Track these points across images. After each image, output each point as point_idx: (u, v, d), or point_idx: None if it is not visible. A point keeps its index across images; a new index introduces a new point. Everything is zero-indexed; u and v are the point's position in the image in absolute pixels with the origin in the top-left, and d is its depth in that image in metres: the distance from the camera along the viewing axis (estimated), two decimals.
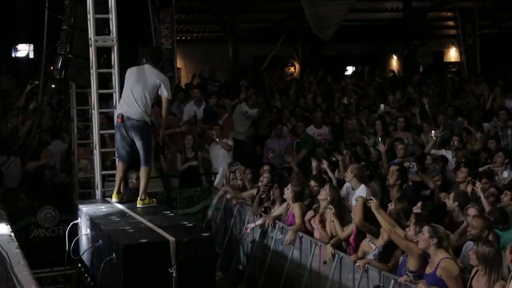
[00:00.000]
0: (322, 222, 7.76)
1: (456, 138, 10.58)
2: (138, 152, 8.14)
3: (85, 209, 8.16)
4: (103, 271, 6.84)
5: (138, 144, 8.05)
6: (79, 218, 8.39)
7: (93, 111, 8.97)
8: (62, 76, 9.09)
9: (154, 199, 8.38)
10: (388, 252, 6.64)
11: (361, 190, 8.25)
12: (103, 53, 9.01)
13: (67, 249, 8.09)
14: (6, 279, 5.05)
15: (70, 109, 10.25)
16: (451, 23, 21.57)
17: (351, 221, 7.41)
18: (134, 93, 7.94)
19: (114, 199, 8.41)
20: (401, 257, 6.47)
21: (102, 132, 8.99)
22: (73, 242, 8.12)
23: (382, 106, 13.34)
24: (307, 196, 8.52)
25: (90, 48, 8.72)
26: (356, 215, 6.93)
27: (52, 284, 9.50)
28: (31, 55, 17.12)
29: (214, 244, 7.35)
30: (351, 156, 9.79)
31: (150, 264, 6.41)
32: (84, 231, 8.04)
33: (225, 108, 12.60)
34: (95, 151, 9.03)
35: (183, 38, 20.66)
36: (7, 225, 7.01)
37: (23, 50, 17.33)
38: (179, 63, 18.40)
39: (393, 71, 20.49)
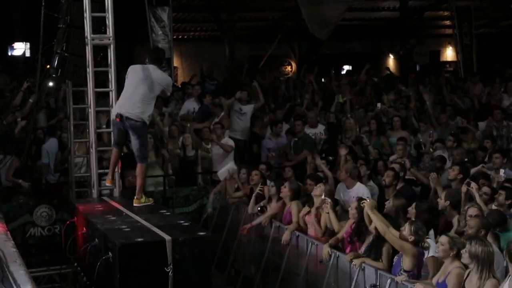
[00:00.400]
0: (317, 217, 7.77)
1: (451, 138, 10.60)
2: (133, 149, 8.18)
3: (82, 208, 8.15)
4: (99, 270, 6.83)
5: (134, 142, 8.05)
6: (75, 217, 8.38)
7: (90, 110, 8.96)
8: (59, 74, 9.08)
9: (150, 198, 8.39)
10: (378, 246, 6.65)
11: (359, 189, 8.24)
12: (100, 52, 9.00)
13: (63, 248, 8.09)
14: (2, 278, 5.04)
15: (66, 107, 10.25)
16: (447, 22, 21.59)
17: (345, 219, 7.42)
18: (137, 93, 7.92)
19: (107, 183, 8.50)
20: (395, 257, 6.48)
21: (99, 130, 8.98)
22: (70, 241, 8.12)
23: (379, 105, 13.34)
24: (303, 195, 8.52)
25: (87, 47, 8.72)
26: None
27: (48, 283, 9.49)
28: (28, 54, 17.10)
29: (210, 243, 7.34)
30: (348, 155, 9.82)
31: (146, 263, 6.41)
32: (80, 230, 8.04)
33: (222, 107, 12.59)
34: (91, 150, 9.03)
35: (180, 36, 20.65)
36: (3, 223, 7.00)
37: (20, 48, 17.30)
38: (176, 62, 18.38)
39: (388, 68, 20.48)
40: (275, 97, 15.39)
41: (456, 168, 8.49)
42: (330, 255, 7.24)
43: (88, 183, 9.48)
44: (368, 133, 11.60)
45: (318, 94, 14.77)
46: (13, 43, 17.31)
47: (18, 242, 6.42)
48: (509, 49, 21.10)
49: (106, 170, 8.99)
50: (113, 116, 8.17)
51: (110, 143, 9.41)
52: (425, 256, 6.41)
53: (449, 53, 24.30)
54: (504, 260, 5.60)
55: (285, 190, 8.32)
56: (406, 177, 8.97)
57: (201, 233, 7.06)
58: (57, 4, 9.18)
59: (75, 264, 8.36)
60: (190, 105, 12.91)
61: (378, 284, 6.44)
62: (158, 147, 10.84)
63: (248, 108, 12.54)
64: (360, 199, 7.10)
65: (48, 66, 9.61)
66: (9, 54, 17.57)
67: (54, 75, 9.16)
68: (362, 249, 6.91)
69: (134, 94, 7.94)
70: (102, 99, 9.29)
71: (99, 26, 8.82)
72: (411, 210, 7.00)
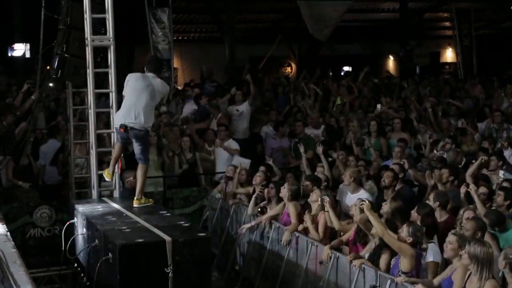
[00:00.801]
0: (315, 222, 7.77)
1: (448, 140, 10.60)
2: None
3: (82, 209, 8.16)
4: (99, 271, 6.84)
5: (137, 148, 8.13)
6: (75, 218, 8.39)
7: (90, 111, 8.97)
8: (59, 75, 9.08)
9: (150, 199, 8.40)
10: (379, 253, 6.67)
11: (362, 195, 8.23)
12: (100, 53, 9.01)
13: (63, 248, 8.09)
14: (2, 278, 5.04)
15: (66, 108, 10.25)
16: (447, 23, 21.62)
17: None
18: (140, 102, 7.95)
19: (107, 178, 8.49)
20: (393, 259, 6.48)
21: (98, 132, 8.99)
22: (69, 242, 8.12)
23: (378, 106, 13.35)
24: (301, 196, 8.52)
25: (87, 48, 8.73)
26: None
27: (48, 284, 9.49)
28: (28, 55, 17.11)
29: (210, 244, 7.35)
30: (347, 156, 9.84)
31: (146, 264, 6.42)
32: (80, 230, 8.05)
33: (219, 108, 12.60)
34: (91, 151, 9.04)
35: (180, 38, 20.66)
36: (3, 224, 7.00)
37: (20, 49, 17.31)
38: (176, 63, 18.39)
39: (388, 71, 20.53)
40: (275, 97, 15.41)
41: (446, 171, 8.52)
42: (330, 257, 7.24)
43: (88, 184, 9.48)
44: (368, 134, 11.61)
45: (320, 94, 14.81)
46: (13, 44, 17.32)
47: (18, 243, 6.42)
48: (508, 51, 21.12)
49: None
50: (116, 125, 8.18)
51: (110, 144, 9.43)
52: (423, 257, 6.43)
53: (449, 55, 24.33)
54: (501, 271, 5.62)
55: (284, 191, 8.32)
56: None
57: (201, 234, 7.08)
58: (57, 5, 9.19)
59: (75, 265, 8.36)
60: (190, 108, 12.95)
61: (378, 285, 6.44)
62: (160, 147, 10.85)
63: (244, 107, 12.62)
64: (360, 201, 7.12)
65: (48, 67, 9.61)
66: (9, 55, 17.58)
67: (54, 76, 9.17)
68: (363, 252, 6.90)
69: (137, 103, 7.96)
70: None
71: (99, 27, 8.83)
72: (414, 213, 7.00)
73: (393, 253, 6.46)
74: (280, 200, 8.57)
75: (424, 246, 6.36)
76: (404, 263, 6.23)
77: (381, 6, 20.52)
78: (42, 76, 9.79)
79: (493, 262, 5.53)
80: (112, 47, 8.86)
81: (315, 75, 16.06)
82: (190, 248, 6.54)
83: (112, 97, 8.94)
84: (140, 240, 6.59)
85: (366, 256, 6.81)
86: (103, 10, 8.81)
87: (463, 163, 9.78)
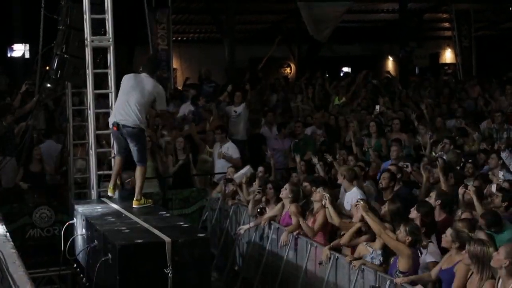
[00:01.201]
0: (314, 219, 7.79)
1: (447, 141, 10.61)
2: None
3: (81, 209, 8.16)
4: (99, 272, 6.84)
5: (133, 148, 8.10)
6: (74, 219, 8.39)
7: (89, 111, 8.97)
8: (58, 76, 9.08)
9: (150, 200, 8.39)
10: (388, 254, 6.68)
11: (354, 193, 8.24)
12: (99, 53, 9.01)
13: (62, 249, 8.09)
14: (1, 279, 5.04)
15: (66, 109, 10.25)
16: (447, 24, 21.63)
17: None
18: (130, 100, 7.95)
19: (109, 193, 8.44)
20: (392, 258, 6.50)
21: (98, 132, 8.98)
22: (69, 242, 8.12)
23: (377, 107, 13.36)
24: (302, 197, 8.52)
25: (86, 48, 8.73)
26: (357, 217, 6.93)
27: (47, 284, 9.48)
28: (27, 55, 17.11)
29: (209, 244, 7.34)
30: (347, 156, 9.85)
31: (146, 264, 6.41)
32: (80, 231, 8.05)
33: (211, 112, 12.60)
34: (91, 151, 9.04)
35: (180, 38, 20.66)
36: (2, 225, 6.99)
37: (19, 50, 17.31)
38: (175, 64, 18.39)
39: (388, 72, 20.53)
40: (274, 97, 15.42)
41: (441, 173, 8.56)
42: (330, 258, 7.24)
43: (88, 184, 9.48)
44: (368, 135, 11.61)
45: (318, 96, 14.83)
46: (13, 44, 17.32)
47: (17, 244, 6.40)
48: (508, 52, 21.13)
49: (105, 172, 9.00)
50: (110, 125, 8.19)
51: (108, 145, 9.43)
52: (421, 257, 6.44)
53: (448, 56, 24.33)
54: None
55: (286, 192, 8.32)
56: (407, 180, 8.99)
57: (201, 235, 7.08)
58: (57, 6, 9.19)
59: (74, 265, 8.36)
60: (186, 109, 12.98)
61: (377, 285, 6.45)
62: (154, 152, 10.83)
63: (241, 108, 12.68)
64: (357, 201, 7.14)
65: (47, 68, 9.61)
66: (9, 55, 17.58)
67: (53, 77, 9.17)
68: (366, 258, 6.88)
69: (127, 101, 7.97)
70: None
71: (98, 28, 8.83)
72: (413, 211, 7.01)
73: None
74: (278, 200, 8.57)
75: (424, 243, 6.37)
76: (402, 263, 6.26)
77: (381, 7, 20.52)
78: (41, 76, 9.78)
79: None
80: (111, 48, 8.87)
81: (315, 77, 16.06)
82: (189, 249, 6.54)
83: (112, 97, 8.93)
84: (139, 241, 6.58)
85: (369, 257, 6.79)
86: (102, 11, 8.81)
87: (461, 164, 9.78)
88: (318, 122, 12.47)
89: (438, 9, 20.85)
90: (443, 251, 6.37)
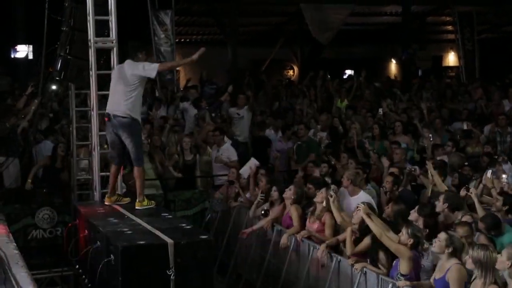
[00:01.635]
0: (321, 223, 7.78)
1: (450, 143, 10.60)
2: (129, 154, 8.15)
3: (83, 211, 8.16)
4: (101, 273, 6.84)
5: (127, 143, 8.01)
6: (77, 220, 8.39)
7: (92, 113, 8.98)
8: (62, 77, 9.10)
9: (152, 201, 8.38)
10: (373, 249, 6.68)
11: (361, 197, 8.23)
12: (103, 55, 9.02)
13: (65, 250, 8.09)
14: (4, 279, 5.05)
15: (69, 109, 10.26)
16: (449, 27, 21.59)
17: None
18: (117, 91, 7.99)
19: (106, 202, 8.39)
20: (394, 261, 6.49)
21: (101, 133, 9.00)
22: (71, 243, 8.12)
23: (380, 110, 13.36)
24: (304, 199, 8.51)
25: (90, 50, 8.74)
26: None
27: (49, 285, 9.50)
28: (30, 56, 17.13)
29: (212, 246, 7.34)
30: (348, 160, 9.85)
31: (148, 266, 6.41)
32: (82, 232, 8.04)
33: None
34: (93, 153, 9.04)
35: (182, 40, 20.66)
36: (5, 225, 7.01)
37: (22, 51, 17.33)
38: None
39: (388, 77, 20.56)
40: (277, 100, 15.45)
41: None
42: (332, 258, 7.24)
43: (90, 186, 9.48)
44: (371, 137, 11.61)
45: (321, 98, 14.83)
46: (16, 45, 17.33)
47: (20, 244, 6.43)
48: (511, 55, 21.10)
49: (108, 173, 9.00)
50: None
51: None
52: (423, 259, 6.43)
53: (451, 58, 24.30)
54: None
55: (290, 193, 8.31)
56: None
57: (203, 237, 7.07)
58: (60, 7, 9.21)
59: (77, 266, 8.36)
60: (187, 106, 13.07)
61: None
62: (151, 153, 10.82)
63: (243, 111, 12.76)
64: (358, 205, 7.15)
65: (51, 69, 9.63)
66: (12, 56, 17.59)
67: (57, 78, 9.19)
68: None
69: (114, 92, 8.03)
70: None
71: (102, 29, 8.85)
72: (413, 213, 7.01)
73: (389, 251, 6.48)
74: (282, 202, 8.56)
75: (425, 246, 6.37)
76: (403, 266, 6.26)
77: (384, 9, 20.50)
78: (45, 78, 9.79)
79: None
80: (115, 49, 8.87)
81: (318, 77, 16.06)
82: (192, 251, 6.54)
83: None
84: (142, 242, 6.58)
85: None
86: (106, 12, 8.82)
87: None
88: (323, 124, 12.46)
89: (441, 11, 20.81)
90: None
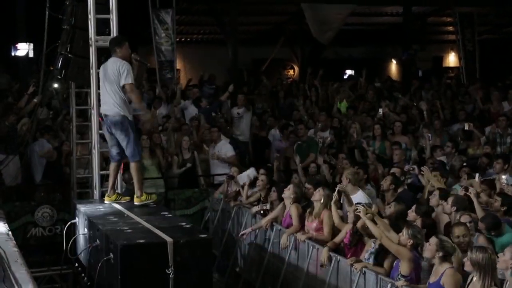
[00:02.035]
0: (319, 221, 7.78)
1: (449, 144, 10.60)
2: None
3: (83, 209, 8.16)
4: (100, 271, 6.84)
5: (121, 140, 8.00)
6: (76, 218, 8.39)
7: (92, 111, 8.98)
8: (62, 75, 9.10)
9: (153, 195, 8.34)
10: (383, 254, 6.67)
11: (359, 196, 8.24)
12: (103, 53, 9.02)
13: (64, 248, 8.09)
14: (3, 277, 5.05)
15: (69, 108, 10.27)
16: (450, 28, 21.58)
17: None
18: (106, 91, 7.96)
19: (106, 200, 8.37)
20: (395, 262, 6.49)
21: (101, 131, 9.01)
22: (71, 241, 8.13)
23: (380, 110, 13.36)
24: (303, 199, 8.52)
25: (91, 48, 8.75)
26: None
27: (48, 283, 9.50)
28: (31, 54, 17.10)
29: (211, 245, 7.34)
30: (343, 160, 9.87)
31: (147, 264, 6.41)
32: (82, 230, 8.05)
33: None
34: (93, 151, 9.05)
35: (183, 39, 20.67)
36: (4, 223, 7.01)
37: (23, 49, 17.29)
38: (178, 65, 18.40)
39: (389, 77, 20.54)
40: (276, 100, 15.46)
41: (437, 174, 8.54)
42: (331, 259, 7.24)
43: (90, 184, 9.49)
44: (372, 138, 11.61)
45: (322, 98, 14.83)
46: (17, 43, 17.31)
47: (19, 242, 6.43)
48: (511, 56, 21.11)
49: (107, 172, 8.99)
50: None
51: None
52: (422, 260, 6.44)
53: (451, 59, 24.29)
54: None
55: (288, 192, 8.31)
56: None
57: (202, 236, 7.08)
58: (61, 5, 9.21)
59: (76, 265, 8.36)
60: (188, 105, 13.12)
61: None
62: (153, 149, 10.83)
63: (242, 110, 12.85)
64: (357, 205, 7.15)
65: (51, 67, 9.63)
66: (12, 54, 17.58)
67: (58, 76, 9.19)
68: (363, 255, 6.90)
69: (104, 92, 8.00)
70: None
71: (103, 28, 8.85)
72: (411, 213, 7.01)
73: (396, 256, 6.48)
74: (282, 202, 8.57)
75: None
76: (403, 267, 6.26)
77: (384, 10, 20.49)
78: (45, 76, 9.79)
79: (496, 269, 5.53)
80: None
81: (318, 76, 16.07)
82: (191, 249, 6.54)
83: None
84: (141, 241, 6.58)
85: (367, 256, 6.81)
86: (107, 11, 8.82)
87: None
88: (325, 124, 12.48)
89: (441, 12, 20.80)
90: None
